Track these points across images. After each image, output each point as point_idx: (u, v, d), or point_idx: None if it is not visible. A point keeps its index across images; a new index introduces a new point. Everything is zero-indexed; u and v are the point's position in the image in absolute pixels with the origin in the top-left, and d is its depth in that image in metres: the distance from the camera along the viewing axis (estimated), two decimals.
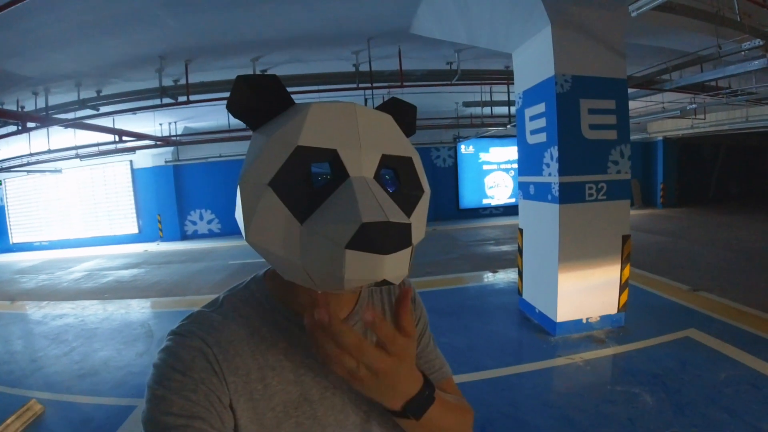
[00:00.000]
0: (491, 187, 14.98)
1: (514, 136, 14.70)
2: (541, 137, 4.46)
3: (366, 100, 7.93)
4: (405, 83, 6.02)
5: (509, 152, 14.95)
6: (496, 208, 15.16)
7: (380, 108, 0.66)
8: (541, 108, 4.41)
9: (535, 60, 4.43)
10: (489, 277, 6.88)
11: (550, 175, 4.35)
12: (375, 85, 6.07)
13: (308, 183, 0.54)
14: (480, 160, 14.78)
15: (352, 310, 0.73)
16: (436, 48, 5.89)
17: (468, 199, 14.84)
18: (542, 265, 4.62)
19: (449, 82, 6.32)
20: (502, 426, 2.86)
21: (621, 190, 4.46)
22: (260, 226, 0.55)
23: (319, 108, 0.56)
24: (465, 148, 14.60)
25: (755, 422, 2.76)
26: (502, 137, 14.36)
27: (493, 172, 14.94)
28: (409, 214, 0.60)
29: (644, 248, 8.40)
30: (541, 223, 4.61)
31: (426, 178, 0.66)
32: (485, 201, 15.03)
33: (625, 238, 4.52)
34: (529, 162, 4.84)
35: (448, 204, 14.75)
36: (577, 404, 3.11)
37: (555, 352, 4.02)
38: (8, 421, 3.00)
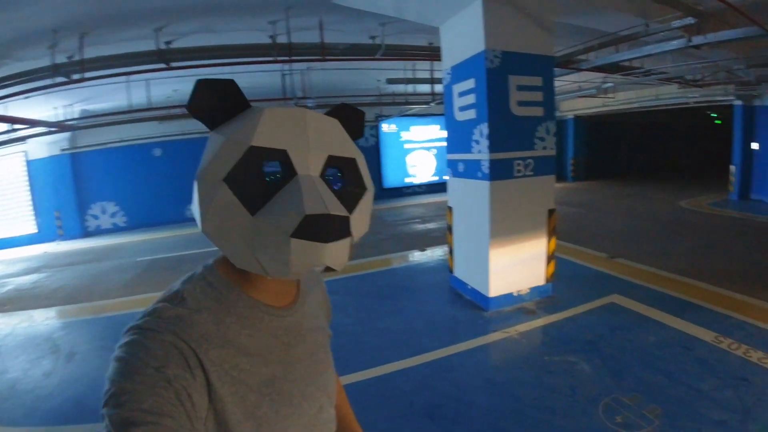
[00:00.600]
0: (413, 166, 15.13)
1: (436, 115, 14.91)
2: (471, 114, 4.43)
3: (284, 75, 7.48)
4: (327, 57, 5.69)
5: (430, 131, 15.17)
6: (419, 186, 15.36)
7: (330, 113, 0.72)
8: (470, 84, 4.36)
9: (464, 34, 4.34)
10: (418, 256, 6.90)
11: (480, 152, 4.34)
12: (294, 58, 5.67)
13: (260, 179, 0.59)
14: (402, 139, 14.81)
15: (295, 297, 0.79)
16: (359, 20, 5.62)
17: (391, 178, 14.86)
18: (473, 242, 4.65)
19: (373, 57, 6.08)
20: (449, 409, 2.81)
21: (546, 165, 4.59)
22: (215, 218, 0.59)
23: (271, 112, 0.62)
24: (387, 127, 14.53)
25: (692, 383, 2.96)
26: (422, 116, 14.49)
27: (415, 151, 15.07)
28: (351, 209, 0.65)
29: (561, 220, 8.89)
30: (472, 200, 4.62)
31: (370, 177, 0.73)
32: (408, 180, 15.16)
33: (551, 212, 4.69)
34: (457, 139, 4.81)
35: (372, 184, 14.61)
36: (519, 378, 3.16)
37: (490, 327, 4.08)
38: None
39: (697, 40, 5.30)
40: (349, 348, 3.72)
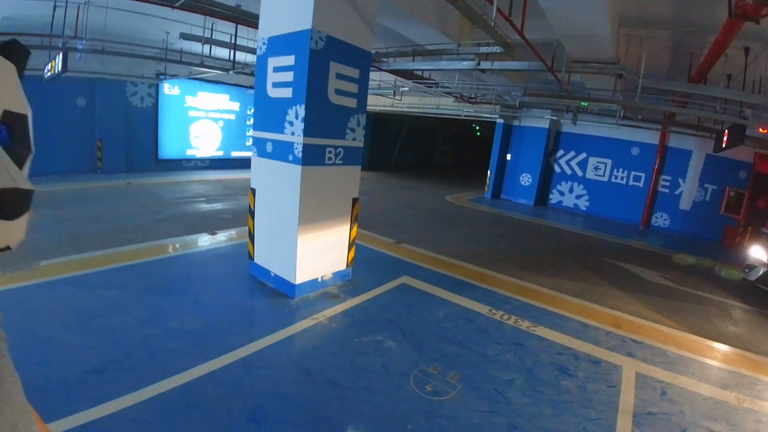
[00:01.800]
0: (197, 137, 13.60)
1: (227, 83, 13.69)
2: (286, 92, 4.20)
3: (56, 7, 5.77)
4: None
5: (219, 99, 13.86)
6: (202, 160, 13.88)
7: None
8: (289, 60, 4.12)
9: (290, 7, 4.06)
10: (209, 241, 6.26)
11: (293, 134, 4.18)
12: None
13: None
14: (186, 105, 13.05)
15: None
16: None
17: (169, 148, 12.94)
18: (279, 227, 4.48)
19: (171, 5, 5.16)
20: (272, 408, 2.63)
21: (354, 156, 4.75)
22: None
23: None
24: (169, 88, 12.58)
25: (480, 350, 3.54)
26: (212, 82, 13.16)
27: (200, 120, 13.54)
28: None
29: None
30: (279, 184, 4.43)
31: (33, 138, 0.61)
32: (189, 152, 13.51)
33: (355, 201, 4.88)
34: (268, 117, 4.51)
35: (145, 153, 12.45)
36: (335, 364, 3.21)
37: (299, 314, 4.03)
38: None
39: (485, 64, 6.29)
40: (138, 356, 3.07)
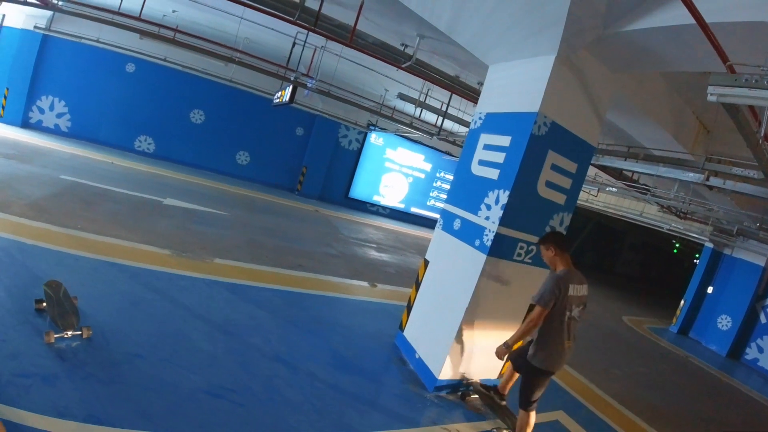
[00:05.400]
0: (386, 186, 14.46)
1: (424, 144, 14.28)
2: (492, 173, 3.83)
3: (295, 43, 6.65)
4: (352, 44, 4.98)
5: (415, 158, 14.63)
6: (384, 208, 14.69)
7: None
8: (504, 141, 3.77)
9: (517, 85, 3.78)
10: (366, 292, 6.19)
11: (487, 219, 3.74)
12: (317, 29, 4.86)
13: None
14: (384, 155, 14.14)
15: None
16: (399, 22, 4.98)
17: (360, 190, 14.10)
18: (440, 311, 4.03)
19: (398, 65, 5.43)
20: None
21: None
22: None
23: None
24: (375, 138, 13.81)
25: None
26: (414, 141, 13.98)
27: (393, 172, 14.43)
28: None
29: None
30: (456, 266, 4.01)
31: None
32: (375, 198, 14.45)
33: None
34: (464, 193, 4.20)
35: (338, 188, 13.85)
36: None
37: (429, 415, 3.48)
38: None
39: (715, 181, 5.09)
40: (256, 394, 2.96)
